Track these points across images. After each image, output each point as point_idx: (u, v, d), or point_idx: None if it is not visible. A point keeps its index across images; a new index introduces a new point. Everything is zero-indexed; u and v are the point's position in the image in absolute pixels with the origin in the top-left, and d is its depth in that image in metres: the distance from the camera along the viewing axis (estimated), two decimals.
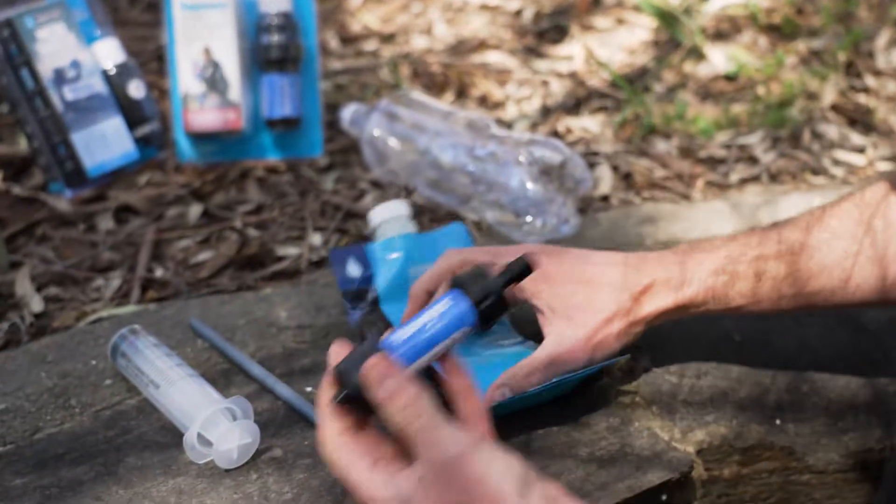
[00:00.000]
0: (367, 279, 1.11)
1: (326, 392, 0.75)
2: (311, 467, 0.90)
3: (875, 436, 1.03)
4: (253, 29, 1.45)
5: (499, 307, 0.80)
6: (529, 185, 1.21)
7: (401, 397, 0.72)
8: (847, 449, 1.02)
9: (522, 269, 0.82)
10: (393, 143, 1.36)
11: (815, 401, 1.04)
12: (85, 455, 0.92)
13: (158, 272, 1.25)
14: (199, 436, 0.90)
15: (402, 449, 0.73)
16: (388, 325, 1.06)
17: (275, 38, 1.43)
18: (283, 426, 0.95)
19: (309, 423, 0.95)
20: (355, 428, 0.74)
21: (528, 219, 1.22)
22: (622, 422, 0.97)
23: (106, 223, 1.35)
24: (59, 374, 1.02)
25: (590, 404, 0.98)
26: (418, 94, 1.42)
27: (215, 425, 0.90)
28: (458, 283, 0.80)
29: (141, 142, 1.41)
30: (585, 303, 0.96)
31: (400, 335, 0.77)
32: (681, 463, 0.93)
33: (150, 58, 1.71)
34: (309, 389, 1.00)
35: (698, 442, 0.97)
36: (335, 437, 0.74)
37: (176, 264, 1.26)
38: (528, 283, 0.96)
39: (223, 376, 1.02)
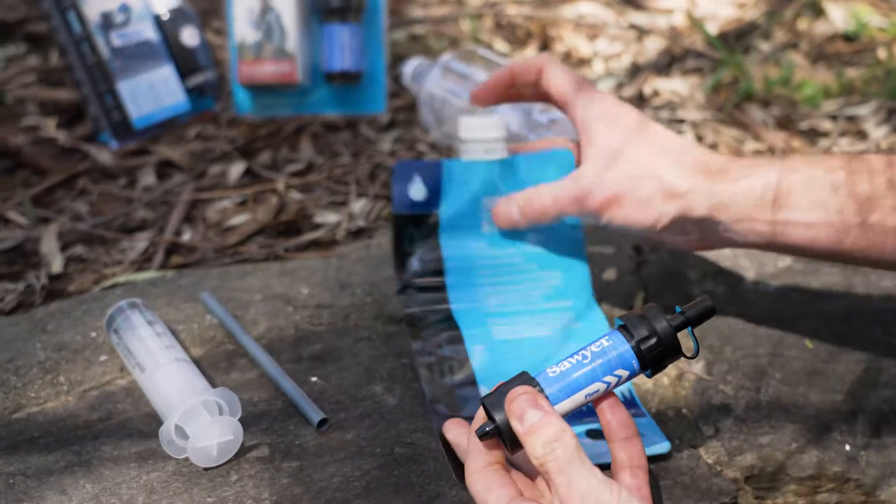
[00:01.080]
0: (429, 204, 0.94)
1: (476, 424, 0.74)
2: (296, 472, 0.80)
3: None
4: None
5: (668, 352, 0.73)
6: None
7: (544, 432, 0.69)
8: None
9: (704, 311, 0.74)
10: (451, 103, 1.24)
11: None
12: (60, 440, 0.85)
13: (187, 235, 1.17)
14: (179, 429, 0.81)
15: (544, 483, 0.73)
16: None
17: None
18: (278, 420, 0.86)
19: (305, 421, 0.85)
20: (501, 462, 0.73)
21: None
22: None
23: (146, 178, 1.28)
24: (55, 347, 0.95)
25: None
26: (485, 50, 1.29)
27: (195, 419, 0.81)
28: (623, 321, 0.73)
29: (195, 92, 1.34)
30: (635, 155, 0.87)
31: (553, 370, 0.73)
32: (721, 492, 0.81)
33: (220, 3, 1.62)
34: (314, 380, 0.90)
35: (747, 467, 0.84)
36: (477, 471, 0.72)
37: (206, 228, 1.18)
38: (586, 114, 0.89)
39: (227, 358, 0.94)
